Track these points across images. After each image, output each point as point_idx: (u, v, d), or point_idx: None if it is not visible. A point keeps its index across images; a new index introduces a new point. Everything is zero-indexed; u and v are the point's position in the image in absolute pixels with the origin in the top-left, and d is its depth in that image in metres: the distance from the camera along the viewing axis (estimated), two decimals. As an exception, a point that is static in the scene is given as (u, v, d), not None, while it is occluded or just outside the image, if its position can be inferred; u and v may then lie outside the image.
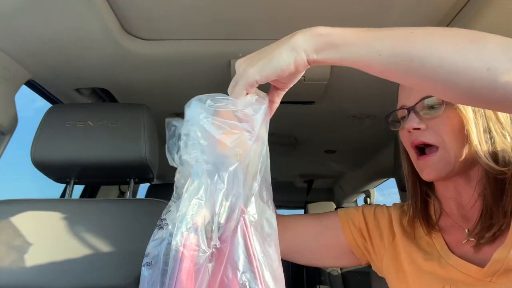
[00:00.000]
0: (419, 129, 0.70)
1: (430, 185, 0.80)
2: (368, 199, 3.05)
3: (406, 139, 0.75)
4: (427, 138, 0.70)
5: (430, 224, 0.77)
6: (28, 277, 0.87)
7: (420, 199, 0.79)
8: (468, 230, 0.71)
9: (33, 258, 0.89)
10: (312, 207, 3.37)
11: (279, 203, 3.79)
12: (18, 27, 0.97)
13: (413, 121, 0.70)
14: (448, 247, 0.73)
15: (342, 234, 0.84)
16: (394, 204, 0.88)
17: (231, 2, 0.95)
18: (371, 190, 3.06)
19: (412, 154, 0.74)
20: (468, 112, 0.66)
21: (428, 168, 0.71)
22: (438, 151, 0.69)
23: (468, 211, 0.73)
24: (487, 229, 0.66)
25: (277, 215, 0.59)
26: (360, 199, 3.51)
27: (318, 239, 0.86)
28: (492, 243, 0.66)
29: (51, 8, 0.90)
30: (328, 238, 0.86)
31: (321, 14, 0.99)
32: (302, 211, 3.55)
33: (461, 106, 0.66)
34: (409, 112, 0.72)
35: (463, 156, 0.68)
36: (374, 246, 0.82)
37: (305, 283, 2.81)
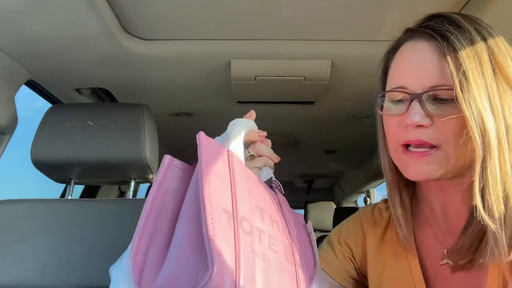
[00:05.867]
0: (421, 125, 0.55)
1: (410, 185, 0.70)
2: (368, 199, 3.06)
3: (397, 132, 0.59)
4: (430, 137, 0.55)
5: (406, 239, 0.65)
6: (28, 277, 0.87)
7: (400, 201, 0.66)
8: (446, 251, 0.62)
9: (33, 258, 0.89)
10: (312, 207, 3.37)
11: (279, 203, 3.79)
12: (18, 27, 0.97)
13: (417, 115, 0.55)
14: (424, 271, 0.63)
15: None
16: (364, 210, 0.77)
17: (231, 2, 0.95)
18: (371, 190, 3.06)
19: (397, 146, 0.59)
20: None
21: (417, 166, 0.57)
22: (436, 150, 0.55)
23: (454, 221, 0.62)
24: (465, 251, 0.56)
25: None
26: (360, 199, 3.51)
27: None
28: (470, 269, 0.58)
29: (51, 8, 0.90)
30: None
31: (320, 13, 1.00)
32: (302, 211, 3.55)
33: (467, 110, 0.52)
34: (411, 100, 0.56)
35: (464, 160, 0.55)
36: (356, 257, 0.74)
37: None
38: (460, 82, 0.52)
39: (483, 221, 0.51)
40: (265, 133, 0.63)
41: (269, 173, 0.62)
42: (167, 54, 1.15)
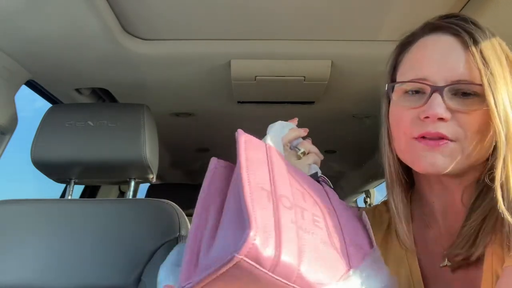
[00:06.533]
0: (442, 118, 0.54)
1: (410, 185, 0.68)
2: (368, 199, 3.05)
3: (411, 125, 0.58)
4: (449, 131, 0.55)
5: (405, 240, 0.63)
6: (28, 277, 0.87)
7: (400, 201, 0.64)
8: (445, 252, 0.61)
9: (33, 258, 0.89)
10: (312, 207, 3.35)
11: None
12: (18, 27, 0.97)
13: (441, 107, 0.54)
14: (423, 273, 0.62)
15: None
16: (366, 210, 0.78)
17: (231, 2, 0.95)
18: (371, 190, 3.05)
19: (408, 139, 0.59)
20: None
21: (432, 157, 0.55)
22: (453, 143, 0.55)
23: (453, 222, 0.61)
24: (464, 243, 0.56)
25: None
26: (360, 199, 3.51)
27: None
28: (467, 269, 0.58)
29: (50, 8, 0.90)
30: None
31: (320, 13, 1.00)
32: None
33: (492, 104, 0.53)
34: (432, 92, 0.55)
35: (476, 157, 0.56)
36: None
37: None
38: (488, 79, 0.53)
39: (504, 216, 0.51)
40: (307, 129, 0.73)
41: (316, 169, 0.67)
42: (167, 54, 1.15)
